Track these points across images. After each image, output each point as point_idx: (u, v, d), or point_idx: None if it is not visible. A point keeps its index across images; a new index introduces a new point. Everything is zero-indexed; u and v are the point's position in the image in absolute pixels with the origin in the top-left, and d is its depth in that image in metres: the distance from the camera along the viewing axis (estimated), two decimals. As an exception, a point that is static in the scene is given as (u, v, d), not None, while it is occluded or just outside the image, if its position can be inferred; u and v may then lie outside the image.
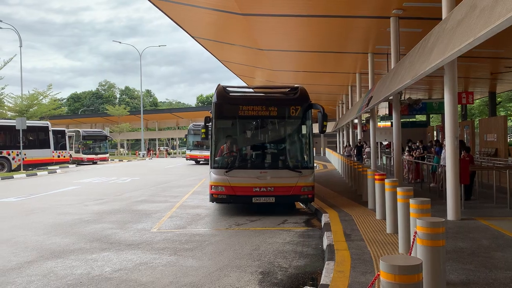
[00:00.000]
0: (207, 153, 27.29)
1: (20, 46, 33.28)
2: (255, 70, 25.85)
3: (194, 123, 33.70)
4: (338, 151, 34.24)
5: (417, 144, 15.81)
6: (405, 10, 11.54)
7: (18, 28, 32.59)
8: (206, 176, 18.53)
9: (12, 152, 24.30)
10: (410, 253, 3.51)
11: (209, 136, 10.15)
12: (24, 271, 5.83)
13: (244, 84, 31.26)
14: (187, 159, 33.26)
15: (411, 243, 3.53)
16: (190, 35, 18.42)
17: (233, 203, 10.44)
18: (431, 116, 38.01)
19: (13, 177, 21.40)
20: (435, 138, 24.26)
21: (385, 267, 2.31)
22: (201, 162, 32.82)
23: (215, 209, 10.95)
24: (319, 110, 9.78)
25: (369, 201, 9.92)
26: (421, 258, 3.26)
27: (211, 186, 9.89)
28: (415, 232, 3.44)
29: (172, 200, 12.61)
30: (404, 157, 15.35)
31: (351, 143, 25.76)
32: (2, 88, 25.18)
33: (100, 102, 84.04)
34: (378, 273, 2.39)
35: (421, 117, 38.18)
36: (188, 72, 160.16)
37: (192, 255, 6.60)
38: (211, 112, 10.23)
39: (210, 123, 10.21)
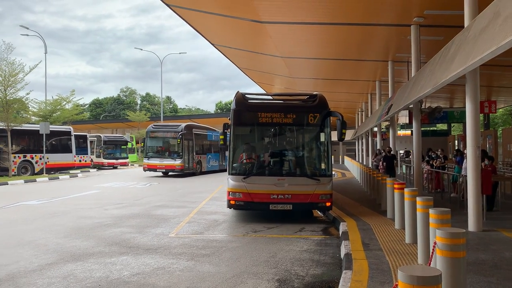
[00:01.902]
0: (169, 162, 24.78)
1: (45, 53, 34.14)
2: (274, 78, 25.91)
3: (154, 124, 27.86)
4: (357, 159, 33.96)
5: (438, 153, 15.56)
6: (426, 18, 11.44)
7: (42, 35, 33.50)
8: (224, 183, 18.57)
9: (36, 156, 24.84)
10: (430, 264, 3.46)
11: (227, 143, 10.22)
12: (45, 273, 5.95)
13: (263, 91, 31.34)
14: (144, 170, 25.38)
15: (431, 253, 3.48)
16: (210, 43, 18.61)
17: (251, 209, 10.46)
18: (452, 125, 37.42)
19: (36, 181, 21.85)
20: (456, 148, 23.86)
21: (403, 277, 2.28)
22: (165, 173, 26.02)
23: (232, 215, 10.98)
24: (338, 117, 9.75)
25: (388, 210, 9.80)
26: (440, 269, 3.21)
27: (228, 192, 9.93)
28: (435, 243, 3.39)
29: (190, 206, 12.69)
30: (424, 166, 15.12)
31: (381, 150, 19.89)
32: (27, 94, 25.80)
33: (121, 108, 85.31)
34: (396, 283, 2.36)
35: (442, 126, 37.63)
36: (207, 79, 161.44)
37: (209, 260, 6.63)
38: (229, 119, 10.29)
39: (228, 130, 10.26)
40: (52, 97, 34.77)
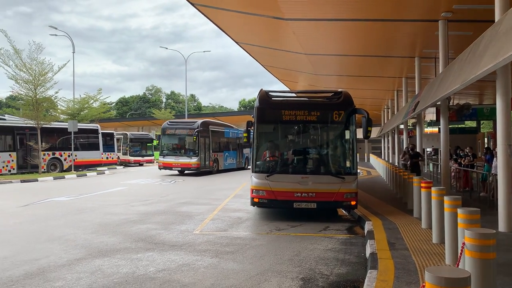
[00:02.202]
0: (185, 160, 23.93)
1: (73, 52, 34.93)
2: (298, 75, 25.78)
3: (170, 121, 26.86)
4: (383, 157, 33.48)
5: (467, 151, 15.18)
6: (455, 12, 11.16)
7: (70, 35, 34.30)
8: (247, 180, 18.57)
9: (64, 153, 25.47)
10: (458, 265, 3.38)
11: (251, 141, 10.22)
12: (74, 268, 6.09)
13: (287, 89, 31.23)
14: (159, 168, 24.68)
15: (459, 254, 3.40)
16: (234, 41, 18.65)
17: (274, 207, 10.45)
18: (481, 122, 36.41)
19: (64, 177, 22.41)
20: (485, 145, 23.23)
21: (430, 278, 2.23)
22: (181, 171, 24.95)
23: (256, 213, 11.00)
24: (364, 115, 9.63)
25: (414, 209, 9.63)
26: (469, 270, 3.14)
27: (252, 190, 9.94)
28: (463, 243, 3.31)
29: (214, 203, 12.78)
30: (452, 164, 14.79)
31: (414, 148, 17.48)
32: (56, 92, 26.49)
33: (147, 106, 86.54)
34: (423, 284, 2.32)
35: (470, 123, 36.66)
36: (231, 77, 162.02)
37: (233, 258, 6.66)
38: (253, 117, 10.29)
39: (252, 128, 10.26)
40: (80, 95, 35.51)
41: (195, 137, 23.24)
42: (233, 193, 15.33)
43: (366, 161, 44.67)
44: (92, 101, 33.97)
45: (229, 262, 6.44)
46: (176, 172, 25.33)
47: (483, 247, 3.23)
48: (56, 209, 11.49)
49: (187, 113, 51.83)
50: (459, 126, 36.88)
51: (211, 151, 25.45)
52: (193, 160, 23.80)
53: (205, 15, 15.05)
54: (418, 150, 15.92)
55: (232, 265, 6.25)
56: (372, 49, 16.70)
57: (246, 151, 30.79)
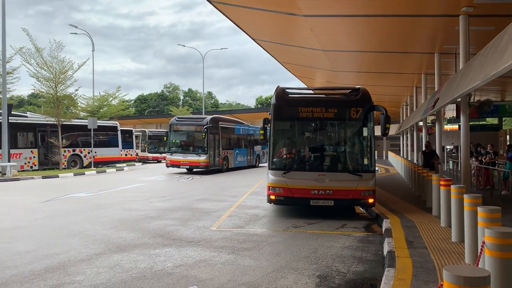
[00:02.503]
0: (193, 157, 22.87)
1: (93, 50, 35.41)
2: (316, 71, 25.62)
3: (178, 117, 25.54)
4: (402, 155, 33.09)
5: (488, 149, 14.89)
6: (476, 7, 10.91)
7: (89, 33, 34.79)
8: (261, 178, 18.57)
9: (84, 150, 25.89)
10: (477, 264, 3.32)
11: (267, 138, 10.21)
12: (93, 263, 6.20)
13: (304, 86, 31.08)
14: (167, 166, 23.74)
15: (479, 253, 3.34)
16: (251, 37, 18.62)
17: (291, 205, 10.44)
18: (503, 119, 35.64)
19: (84, 174, 22.77)
20: (508, 143, 22.75)
21: (449, 277, 2.20)
22: (189, 169, 23.91)
23: (273, 210, 11.00)
24: (382, 112, 9.53)
25: (433, 207, 9.50)
26: (489, 270, 3.08)
27: (268, 187, 9.94)
28: (483, 242, 3.25)
29: (231, 200, 12.83)
30: (472, 162, 14.53)
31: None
32: (76, 90, 26.94)
33: (165, 103, 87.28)
34: (441, 283, 2.28)
35: (492, 120, 35.93)
36: (247, 74, 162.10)
37: (249, 254, 6.68)
38: (269, 114, 10.28)
39: (269, 125, 10.25)
40: (100, 93, 36.01)
41: (204, 134, 22.27)
42: (250, 190, 15.36)
43: (384, 158, 44.25)
44: (111, 98, 34.39)
45: (246, 258, 6.46)
46: (185, 170, 24.51)
47: (503, 246, 3.17)
48: (76, 205, 11.69)
49: (204, 110, 52.08)
50: (480, 123, 36.16)
51: (220, 149, 24.37)
52: (202, 158, 22.70)
53: (222, 12, 15.07)
54: (436, 147, 15.65)
55: (249, 262, 6.27)
56: (391, 45, 16.48)
57: (258, 148, 30.43)
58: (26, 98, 66.64)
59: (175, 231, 8.35)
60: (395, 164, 28.69)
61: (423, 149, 13.85)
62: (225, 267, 5.99)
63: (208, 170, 23.57)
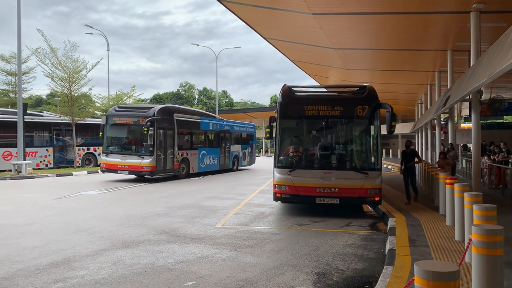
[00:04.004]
0: (134, 160, 17.33)
1: (108, 50, 35.92)
2: (328, 70, 25.53)
3: (119, 106, 20.53)
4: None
5: (501, 146, 14.64)
6: (487, 3, 10.76)
7: (105, 33, 35.41)
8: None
9: (98, 148, 26.26)
10: (462, 261, 3.31)
11: (274, 136, 10.23)
12: (97, 258, 6.32)
13: (317, 84, 30.98)
14: (102, 171, 18.92)
15: (465, 250, 3.33)
16: (262, 36, 18.66)
17: (296, 203, 10.45)
18: (522, 117, 34.97)
19: (98, 172, 23.10)
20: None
21: (419, 272, 2.21)
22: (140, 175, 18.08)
23: (279, 208, 11.03)
24: (388, 109, 9.48)
25: (440, 206, 9.41)
26: (474, 267, 3.07)
27: (274, 185, 9.98)
28: (469, 240, 3.24)
29: (239, 198, 12.90)
30: (485, 160, 14.30)
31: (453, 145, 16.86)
32: (90, 89, 27.37)
33: (180, 102, 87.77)
34: (413, 278, 2.30)
35: (510, 118, 35.28)
36: (262, 72, 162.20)
37: (251, 251, 6.73)
38: (276, 112, 10.31)
39: (275, 123, 10.26)
40: (116, 92, 36.44)
41: (146, 129, 16.81)
42: (259, 189, 15.41)
43: (399, 157, 43.69)
44: (126, 97, 34.77)
45: (247, 255, 6.51)
46: (129, 176, 19.24)
47: (489, 244, 3.15)
48: (86, 202, 11.90)
49: (218, 109, 52.32)
50: (498, 121, 35.56)
51: (176, 148, 18.81)
52: (145, 161, 17.14)
53: (232, 12, 15.14)
54: (450, 146, 15.44)
55: (250, 259, 6.32)
56: (403, 43, 16.35)
57: (236, 148, 25.33)
58: (45, 97, 67.86)
59: (180, 228, 8.45)
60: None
61: (403, 149, 11.88)
62: (225, 264, 6.05)
63: (155, 177, 18.20)
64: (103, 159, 18.37)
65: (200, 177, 20.52)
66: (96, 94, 32.44)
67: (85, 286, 5.11)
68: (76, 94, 24.67)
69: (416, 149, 36.16)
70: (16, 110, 20.81)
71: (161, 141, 18.04)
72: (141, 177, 18.80)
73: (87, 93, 27.06)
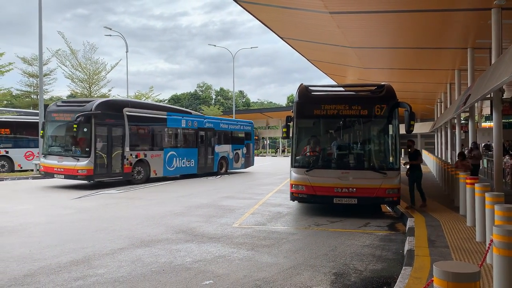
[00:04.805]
0: (68, 163, 15.08)
1: (127, 52, 36.29)
2: (346, 69, 25.34)
3: (63, 100, 18.83)
4: (436, 153, 32.26)
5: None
6: (509, 0, 10.54)
7: (124, 35, 35.88)
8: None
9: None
10: (482, 262, 3.24)
11: (290, 135, 10.21)
12: (116, 257, 6.41)
13: (334, 83, 30.77)
14: (42, 173, 16.57)
15: (486, 251, 3.26)
16: (279, 36, 18.64)
17: (314, 203, 10.41)
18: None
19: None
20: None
21: (438, 273, 2.18)
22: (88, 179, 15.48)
23: (297, 208, 11.00)
24: (406, 108, 9.37)
25: (460, 206, 9.25)
26: (496, 268, 3.01)
27: (291, 185, 9.96)
28: (491, 240, 3.17)
29: (256, 198, 12.91)
30: (506, 160, 14.00)
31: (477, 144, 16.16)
32: (109, 90, 27.74)
33: (197, 103, 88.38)
34: (432, 279, 2.27)
35: (534, 117, 34.41)
36: (279, 72, 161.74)
37: (268, 251, 6.73)
38: (292, 111, 10.28)
39: (291, 123, 10.24)
40: (135, 93, 36.88)
41: (76, 126, 14.48)
42: (276, 188, 15.40)
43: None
44: (144, 98, 35.18)
45: (264, 255, 6.51)
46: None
47: (510, 245, 3.08)
48: (106, 201, 12.07)
49: (235, 109, 52.47)
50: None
51: (126, 149, 16.32)
52: (81, 164, 14.87)
53: (249, 12, 15.17)
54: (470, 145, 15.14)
55: (267, 258, 6.32)
56: (422, 41, 16.12)
57: (223, 149, 22.36)
58: (65, 98, 69.05)
59: (198, 227, 8.50)
60: (428, 162, 28.00)
61: (408, 150, 11.03)
62: (242, 263, 6.06)
63: (93, 182, 15.96)
64: (41, 161, 16.43)
65: (163, 183, 17.50)
66: (115, 95, 32.67)
67: (105, 284, 5.18)
68: (95, 95, 25.03)
69: (436, 149, 35.64)
70: (37, 111, 21.22)
71: (104, 140, 15.61)
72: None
73: (107, 94, 27.44)
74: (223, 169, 22.43)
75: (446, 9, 12.17)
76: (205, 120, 21.28)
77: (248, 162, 24.80)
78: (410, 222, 8.35)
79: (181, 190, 14.99)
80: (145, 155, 17.22)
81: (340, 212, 10.26)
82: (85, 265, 5.97)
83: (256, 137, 55.83)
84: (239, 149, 23.72)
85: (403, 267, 5.44)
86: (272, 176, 22.09)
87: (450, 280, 2.11)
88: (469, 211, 7.73)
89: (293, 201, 10.24)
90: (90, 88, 24.37)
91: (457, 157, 12.83)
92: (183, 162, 19.42)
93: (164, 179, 18.78)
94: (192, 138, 20.24)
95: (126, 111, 16.49)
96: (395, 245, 7.22)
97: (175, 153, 18.88)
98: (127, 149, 16.34)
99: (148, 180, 17.46)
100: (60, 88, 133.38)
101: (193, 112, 21.41)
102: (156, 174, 17.83)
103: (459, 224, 8.17)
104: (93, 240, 7.43)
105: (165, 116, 18.57)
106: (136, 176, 16.81)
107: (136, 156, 16.76)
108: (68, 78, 24.04)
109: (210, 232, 8.14)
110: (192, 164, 20.03)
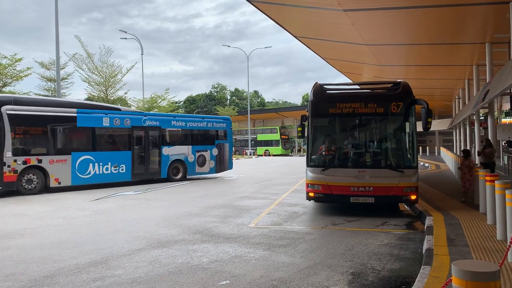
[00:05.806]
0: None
1: (142, 54, 36.66)
2: (362, 67, 25.13)
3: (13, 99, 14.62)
4: (455, 151, 31.78)
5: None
6: (527, -8, 10.32)
7: (138, 37, 36.39)
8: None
9: None
10: (503, 261, 3.17)
11: (306, 135, 10.15)
12: (134, 258, 6.46)
13: (349, 81, 30.53)
14: None
15: (507, 249, 3.19)
16: (293, 35, 18.59)
17: (330, 202, 10.34)
18: None
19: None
20: None
21: (457, 272, 2.13)
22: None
23: (313, 207, 10.94)
24: (423, 105, 9.22)
25: (480, 204, 9.08)
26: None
27: (307, 184, 9.91)
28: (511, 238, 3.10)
29: (272, 197, 12.89)
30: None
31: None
32: (125, 93, 28.08)
33: (213, 103, 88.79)
34: (450, 278, 2.22)
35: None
36: (293, 71, 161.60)
37: (285, 251, 6.71)
38: (307, 111, 10.22)
39: (306, 122, 10.18)
40: (151, 95, 37.22)
41: None
42: (292, 188, 15.35)
43: (436, 154, 42.59)
44: (160, 100, 35.48)
45: (281, 255, 6.49)
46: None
47: (533, 243, 3.00)
48: (123, 203, 12.20)
49: (250, 109, 52.51)
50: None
51: (6, 154, 13.93)
52: None
53: (262, 12, 15.16)
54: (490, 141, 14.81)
55: (283, 258, 6.30)
56: (439, 37, 15.89)
57: (178, 150, 18.87)
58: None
59: (214, 228, 8.52)
60: (447, 160, 27.57)
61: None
62: (259, 263, 6.05)
63: None
64: None
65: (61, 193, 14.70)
66: (132, 97, 33.13)
67: (122, 284, 5.23)
68: (112, 98, 25.37)
69: (454, 146, 35.05)
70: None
71: None
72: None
73: (123, 97, 27.79)
74: (179, 175, 18.93)
75: (463, 4, 11.97)
76: (144, 118, 17.93)
77: (222, 166, 20.75)
78: (428, 221, 8.23)
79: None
80: (41, 161, 14.69)
81: (357, 211, 10.17)
82: (103, 266, 6.03)
83: (286, 137, 55.26)
84: (206, 151, 19.96)
85: (422, 266, 5.36)
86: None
87: (469, 279, 2.06)
88: (489, 209, 7.58)
89: (309, 200, 10.18)
90: (106, 91, 24.68)
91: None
92: (106, 168, 16.47)
93: (167, 180, 18.90)
94: (122, 139, 17.23)
95: (7, 109, 14.02)
96: (414, 244, 7.12)
97: (92, 158, 16.03)
98: (8, 154, 13.94)
99: (48, 189, 14.87)
100: (77, 91, 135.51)
101: (122, 108, 18.30)
102: (58, 183, 15.04)
103: (479, 222, 8.01)
104: (111, 241, 7.51)
105: (74, 114, 15.67)
106: (24, 185, 14.31)
107: (26, 162, 14.33)
108: (85, 81, 24.44)
109: (227, 232, 8.16)
110: (122, 170, 16.92)
